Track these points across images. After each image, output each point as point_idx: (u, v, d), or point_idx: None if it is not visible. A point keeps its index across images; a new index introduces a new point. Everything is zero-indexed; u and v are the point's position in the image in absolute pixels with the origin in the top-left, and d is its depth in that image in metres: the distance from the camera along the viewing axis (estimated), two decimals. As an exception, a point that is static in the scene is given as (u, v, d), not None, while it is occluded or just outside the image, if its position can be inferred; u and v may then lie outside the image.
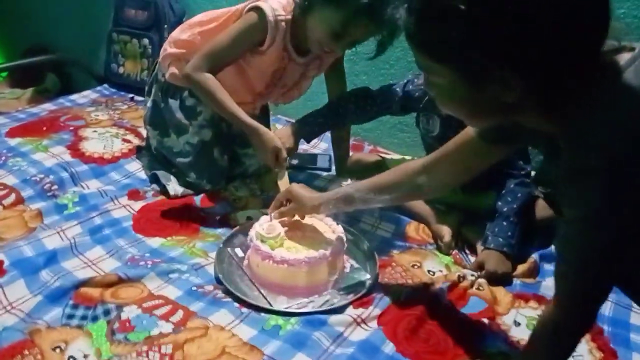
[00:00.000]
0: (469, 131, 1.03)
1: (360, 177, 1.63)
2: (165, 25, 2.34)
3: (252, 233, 1.29)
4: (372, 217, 1.55)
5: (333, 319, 1.15)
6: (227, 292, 1.23)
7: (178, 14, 2.37)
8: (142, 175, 1.73)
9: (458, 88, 0.75)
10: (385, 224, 1.53)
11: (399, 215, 1.57)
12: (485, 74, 0.71)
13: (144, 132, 1.92)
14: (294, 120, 1.62)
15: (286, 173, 1.46)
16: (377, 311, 1.18)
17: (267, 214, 1.35)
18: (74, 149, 1.81)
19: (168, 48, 1.61)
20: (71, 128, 1.96)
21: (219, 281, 1.27)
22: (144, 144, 1.85)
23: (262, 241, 1.26)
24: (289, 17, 1.43)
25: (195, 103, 1.59)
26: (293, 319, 1.16)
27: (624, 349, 1.14)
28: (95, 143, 1.86)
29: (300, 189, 1.28)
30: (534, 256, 1.40)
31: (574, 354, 1.09)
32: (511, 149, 1.07)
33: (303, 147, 1.99)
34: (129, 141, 1.91)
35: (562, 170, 0.75)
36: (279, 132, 1.59)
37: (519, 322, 1.20)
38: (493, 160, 1.05)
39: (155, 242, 1.41)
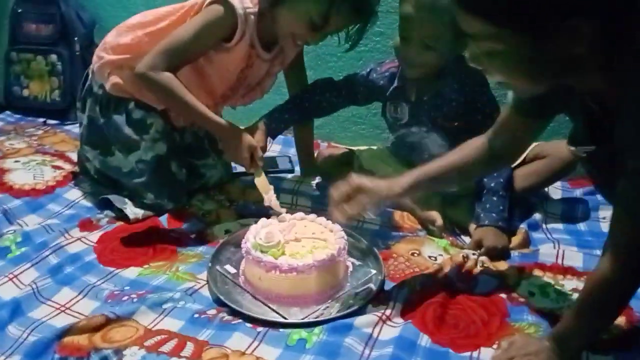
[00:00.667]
0: (505, 112, 1.06)
1: (333, 173, 1.59)
2: (76, 38, 2.12)
3: (246, 245, 1.18)
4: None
5: (358, 321, 1.08)
6: (234, 313, 1.11)
7: (88, 25, 2.15)
8: (86, 202, 1.54)
9: (522, 50, 0.72)
10: (370, 217, 1.48)
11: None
12: (553, 27, 0.68)
13: (73, 157, 1.72)
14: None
15: (263, 172, 1.36)
16: (399, 305, 1.13)
17: (247, 225, 1.26)
18: (-1, 183, 1.57)
19: (105, 55, 1.44)
20: (-14, 161, 1.70)
21: (219, 303, 1.14)
22: (77, 169, 1.65)
23: (262, 251, 1.16)
24: (256, 9, 1.33)
25: (144, 115, 1.43)
26: (316, 329, 1.07)
27: (637, 301, 1.15)
28: (22, 174, 1.63)
29: (367, 180, 1.14)
30: (523, 226, 1.42)
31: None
32: (544, 123, 1.07)
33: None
34: (60, 167, 1.69)
35: (628, 126, 0.74)
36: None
37: (533, 291, 1.20)
38: (530, 136, 1.09)
39: (131, 272, 1.25)
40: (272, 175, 1.72)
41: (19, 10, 2.17)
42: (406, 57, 1.40)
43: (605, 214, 1.52)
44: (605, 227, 1.48)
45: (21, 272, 1.21)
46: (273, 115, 1.51)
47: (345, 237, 1.23)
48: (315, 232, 1.24)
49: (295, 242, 1.21)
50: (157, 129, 1.44)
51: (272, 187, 1.35)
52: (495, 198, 1.37)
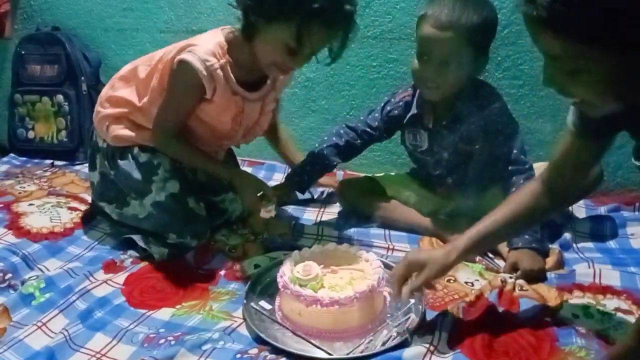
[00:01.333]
0: (566, 140, 1.04)
1: (355, 200, 1.57)
2: (82, 77, 2.10)
3: (283, 279, 1.15)
4: (383, 240, 1.48)
5: (406, 353, 1.05)
6: (277, 352, 1.07)
7: (94, 64, 2.14)
8: (107, 244, 1.50)
9: (611, 67, 0.71)
10: (398, 244, 1.46)
11: (406, 233, 1.51)
12: None
13: (87, 197, 1.69)
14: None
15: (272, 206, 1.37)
16: (445, 335, 1.10)
17: (275, 258, 1.27)
18: (16, 227, 1.53)
19: (102, 110, 1.45)
20: (0, 205, 1.66)
21: (259, 341, 1.11)
22: (89, 208, 1.62)
23: (301, 285, 1.13)
24: (224, 60, 1.30)
25: (149, 157, 1.42)
26: (364, 364, 1.04)
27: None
28: (38, 217, 1.58)
29: (420, 253, 1.14)
30: (555, 247, 1.41)
31: None
32: (604, 147, 1.06)
33: (277, 181, 1.89)
34: (76, 209, 1.65)
35: None
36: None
37: (576, 314, 1.17)
38: (595, 160, 1.08)
39: (164, 314, 1.21)
40: (292, 206, 1.71)
41: (23, 52, 2.16)
42: (425, 78, 1.40)
43: (633, 231, 1.52)
44: (635, 243, 1.47)
45: (49, 320, 1.17)
46: (295, 170, 1.57)
47: (382, 266, 1.20)
48: (351, 263, 1.22)
49: (332, 274, 1.18)
50: (166, 168, 1.41)
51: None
52: None
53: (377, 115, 1.57)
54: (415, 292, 1.10)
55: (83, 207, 1.67)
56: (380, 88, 1.82)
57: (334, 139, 1.58)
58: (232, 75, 1.32)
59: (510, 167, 1.41)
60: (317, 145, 1.60)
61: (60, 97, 2.12)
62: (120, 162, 1.43)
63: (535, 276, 1.29)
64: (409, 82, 1.73)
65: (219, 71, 1.29)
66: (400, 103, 1.54)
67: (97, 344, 1.10)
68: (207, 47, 1.29)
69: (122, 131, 1.41)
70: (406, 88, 1.53)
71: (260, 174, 1.94)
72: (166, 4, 2.02)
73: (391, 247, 1.45)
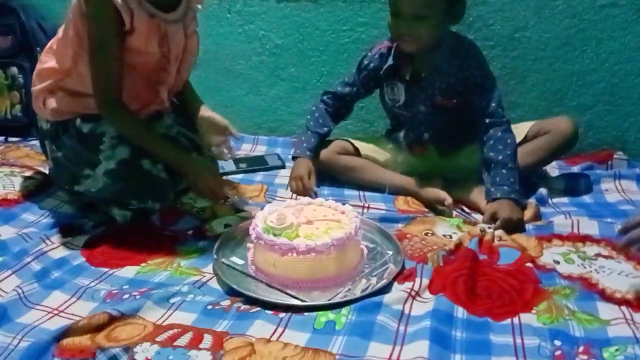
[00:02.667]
0: None
1: (330, 159, 1.53)
2: (38, 48, 1.98)
3: (256, 230, 1.09)
4: (358, 200, 1.44)
5: (387, 299, 1.01)
6: (251, 302, 1.01)
7: (51, 34, 2.01)
8: (66, 210, 1.41)
9: None
10: (373, 203, 1.42)
11: (380, 194, 1.47)
12: None
13: (43, 169, 1.59)
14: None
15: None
16: (425, 281, 1.06)
17: (248, 218, 1.20)
18: (-34, 194, 1.42)
19: (34, 88, 1.37)
20: (-51, 176, 1.54)
21: (232, 294, 1.04)
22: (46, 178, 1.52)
23: (275, 234, 1.07)
24: None
25: (93, 126, 1.32)
26: (344, 310, 0.99)
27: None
28: (-11, 185, 1.48)
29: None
30: (533, 200, 1.39)
31: (627, 272, 1.09)
32: None
33: (245, 151, 1.83)
34: (31, 177, 1.55)
35: None
36: (294, 171, 1.51)
37: (557, 260, 1.15)
38: None
39: (127, 272, 1.13)
40: (263, 173, 1.65)
41: (-27, 23, 2.04)
42: (400, 32, 1.38)
43: (607, 186, 1.52)
44: (610, 197, 1.47)
45: (1, 280, 1.08)
46: (301, 143, 1.54)
47: (359, 216, 1.16)
48: (327, 215, 1.17)
49: (307, 225, 1.12)
50: (111, 135, 1.32)
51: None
52: (504, 171, 1.33)
53: (353, 71, 1.54)
54: None
55: (39, 177, 1.56)
56: (351, 53, 1.78)
57: (321, 106, 1.58)
58: None
59: (487, 120, 1.38)
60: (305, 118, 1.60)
61: (14, 69, 1.99)
62: (64, 138, 1.34)
63: (514, 225, 1.27)
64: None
65: None
66: (376, 55, 1.50)
67: (54, 301, 1.03)
68: None
69: (59, 103, 1.33)
70: (382, 41, 1.50)
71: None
72: (126, -30, 1.93)
73: (366, 205, 1.40)
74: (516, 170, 1.34)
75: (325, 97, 1.58)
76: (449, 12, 1.36)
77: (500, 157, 1.34)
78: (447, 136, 1.49)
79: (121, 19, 1.19)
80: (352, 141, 1.55)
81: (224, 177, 1.54)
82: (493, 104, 1.38)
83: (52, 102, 1.32)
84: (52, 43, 1.36)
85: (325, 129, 1.57)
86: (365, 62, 1.52)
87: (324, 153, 1.54)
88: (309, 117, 1.58)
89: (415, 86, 1.45)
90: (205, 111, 1.44)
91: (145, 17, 1.23)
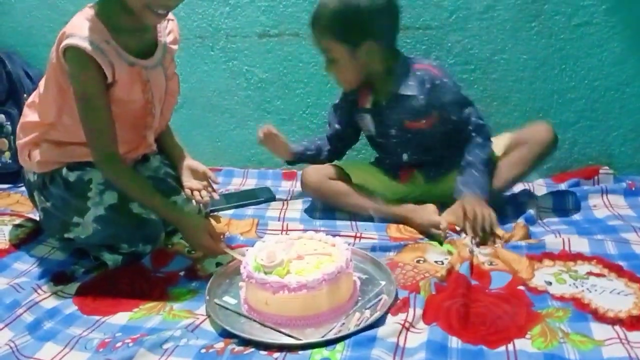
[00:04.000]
0: None
1: (320, 186, 1.53)
2: (25, 95, 2.00)
3: (247, 269, 1.09)
4: (350, 230, 1.45)
5: (381, 332, 1.00)
6: (245, 343, 1.01)
7: (36, 81, 2.04)
8: (57, 257, 1.40)
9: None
10: (365, 232, 1.43)
11: (372, 222, 1.48)
12: None
13: (34, 215, 1.58)
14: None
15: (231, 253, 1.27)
16: (419, 311, 1.06)
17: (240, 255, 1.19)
18: (-44, 246, 1.42)
19: (19, 141, 1.38)
20: (-61, 226, 1.54)
21: (225, 335, 1.04)
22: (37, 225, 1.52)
23: (266, 273, 1.07)
24: (105, 32, 1.21)
25: (79, 174, 1.33)
26: (338, 346, 0.98)
27: (649, 274, 1.15)
28: (-20, 236, 1.48)
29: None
30: (521, 221, 1.40)
31: (619, 290, 1.09)
32: None
33: (235, 186, 1.84)
34: (22, 226, 1.55)
35: None
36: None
37: (549, 281, 1.16)
38: None
39: (120, 318, 1.12)
40: (254, 207, 1.65)
41: (-40, 72, 2.05)
42: (330, 75, 1.49)
43: (595, 202, 1.53)
44: (598, 213, 1.48)
45: (-6, 334, 1.07)
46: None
47: (350, 248, 1.16)
48: (317, 249, 1.17)
49: (298, 260, 1.12)
50: (98, 181, 1.33)
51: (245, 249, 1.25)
52: (474, 171, 1.38)
53: (332, 115, 1.59)
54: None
55: (30, 224, 1.56)
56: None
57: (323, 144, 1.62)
58: (119, 46, 1.24)
59: (470, 131, 1.43)
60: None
61: (2, 117, 2.00)
62: (52, 188, 1.35)
63: (483, 218, 1.33)
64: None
65: (105, 45, 1.21)
66: (342, 95, 1.55)
67: (47, 354, 1.02)
68: (81, 26, 1.20)
69: (44, 154, 1.34)
70: None
71: (218, 180, 1.87)
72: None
73: (358, 235, 1.41)
74: (486, 174, 1.40)
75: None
76: (359, 51, 1.38)
77: (471, 158, 1.39)
78: (431, 158, 1.50)
79: (103, 73, 1.21)
80: (344, 167, 1.57)
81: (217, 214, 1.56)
82: (473, 118, 1.42)
83: (37, 155, 1.33)
84: (34, 97, 1.37)
85: (317, 143, 1.60)
86: (337, 101, 1.57)
87: (315, 177, 1.53)
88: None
89: (380, 113, 1.48)
90: (186, 160, 1.48)
91: (125, 67, 1.24)
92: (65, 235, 1.37)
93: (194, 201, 1.43)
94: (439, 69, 1.44)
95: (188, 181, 1.45)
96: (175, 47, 1.40)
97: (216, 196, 1.48)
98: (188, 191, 1.43)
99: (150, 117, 1.35)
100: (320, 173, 1.54)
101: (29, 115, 1.36)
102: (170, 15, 1.38)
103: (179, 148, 1.51)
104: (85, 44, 1.17)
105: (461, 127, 1.42)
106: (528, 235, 1.36)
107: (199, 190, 1.43)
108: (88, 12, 1.23)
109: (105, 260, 1.32)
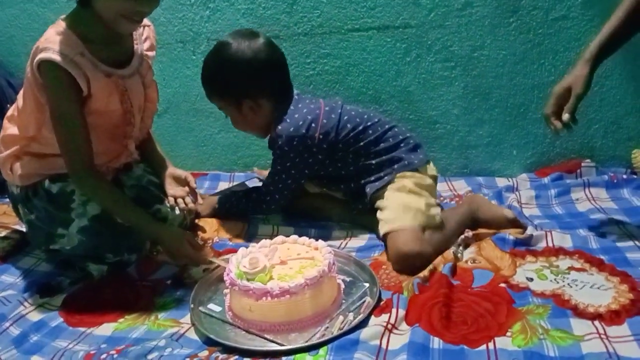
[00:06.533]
0: None
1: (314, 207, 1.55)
2: (8, 105, 1.99)
3: (230, 276, 1.10)
4: (342, 231, 1.47)
5: (363, 334, 1.01)
6: (229, 351, 1.02)
7: (19, 89, 2.03)
8: (43, 268, 1.40)
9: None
10: (355, 235, 1.44)
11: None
12: None
13: (20, 227, 1.58)
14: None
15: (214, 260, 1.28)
16: (402, 312, 1.07)
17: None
18: (-60, 260, 1.41)
19: (2, 150, 1.37)
20: None
21: (210, 344, 1.05)
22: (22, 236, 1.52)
23: (249, 279, 1.07)
24: (79, 44, 1.21)
25: (61, 186, 1.33)
26: (321, 351, 0.99)
27: (630, 268, 1.16)
28: (-35, 250, 1.47)
29: (560, 82, 1.27)
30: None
31: (599, 285, 1.10)
32: None
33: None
34: (7, 237, 1.55)
35: None
36: (205, 202, 1.56)
37: (530, 277, 1.17)
38: None
39: (105, 329, 1.13)
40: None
41: (-58, 85, 2.04)
42: None
43: (577, 196, 1.55)
44: (580, 207, 1.49)
45: (-21, 350, 1.08)
46: (229, 199, 1.57)
47: (333, 252, 1.17)
48: (301, 253, 1.17)
49: (281, 266, 1.13)
50: (81, 192, 1.33)
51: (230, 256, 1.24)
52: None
53: None
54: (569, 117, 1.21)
55: (16, 236, 1.56)
56: (317, 84, 1.81)
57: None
58: (94, 57, 1.23)
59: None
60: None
61: (-15, 128, 2.01)
62: (35, 201, 1.35)
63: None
64: (344, 77, 1.74)
65: (79, 57, 1.20)
66: None
67: (33, 368, 1.02)
68: (54, 40, 1.19)
69: (26, 167, 1.34)
70: None
71: (205, 184, 1.88)
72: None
73: (349, 235, 1.44)
74: None
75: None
76: (241, 108, 1.41)
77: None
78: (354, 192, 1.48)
79: (79, 85, 1.20)
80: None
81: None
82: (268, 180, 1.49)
83: (19, 168, 1.33)
84: (13, 110, 1.37)
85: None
86: None
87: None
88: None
89: None
90: (168, 168, 1.49)
91: (102, 78, 1.24)
92: (51, 247, 1.37)
93: (177, 209, 1.43)
94: (283, 129, 1.38)
95: (171, 189, 1.45)
96: (152, 53, 1.40)
97: (200, 201, 1.48)
98: (171, 199, 1.43)
99: (130, 127, 1.35)
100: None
101: (9, 128, 1.36)
102: (147, 21, 1.39)
103: (161, 157, 1.51)
104: (58, 58, 1.17)
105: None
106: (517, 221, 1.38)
107: (183, 198, 1.43)
108: (60, 24, 1.23)
109: (91, 271, 1.32)
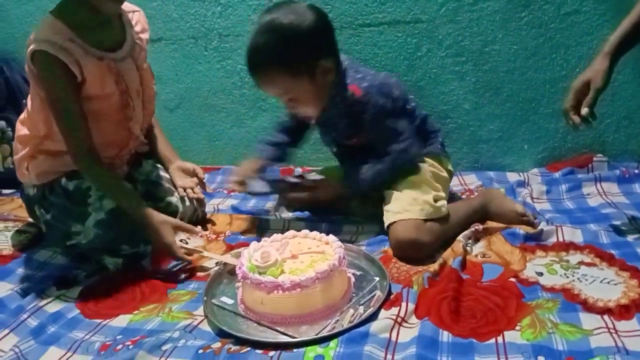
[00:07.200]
0: None
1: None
2: (24, 101, 2.02)
3: (242, 269, 1.11)
4: (351, 225, 1.48)
5: (373, 327, 1.02)
6: (241, 342, 1.03)
7: (34, 86, 2.07)
8: (59, 261, 1.43)
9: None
10: (367, 227, 1.45)
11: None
12: None
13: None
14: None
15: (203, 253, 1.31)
16: (411, 305, 1.08)
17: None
18: (-39, 253, 1.45)
19: (16, 156, 1.42)
20: (-56, 233, 1.58)
21: (222, 335, 1.07)
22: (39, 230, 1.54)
23: (260, 273, 1.09)
24: (67, 31, 1.23)
25: (78, 183, 1.36)
26: (332, 343, 1.01)
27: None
28: (-16, 243, 1.51)
29: (579, 76, 1.22)
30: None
31: (609, 279, 1.10)
32: None
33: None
34: (24, 231, 1.58)
35: None
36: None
37: (540, 272, 1.17)
38: None
39: (120, 321, 1.15)
40: (253, 204, 1.67)
41: (-40, 79, 2.08)
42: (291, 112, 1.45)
43: (588, 190, 1.54)
44: (591, 202, 1.49)
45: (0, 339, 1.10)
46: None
47: (343, 246, 1.18)
48: (311, 247, 1.19)
49: (292, 260, 1.15)
50: (96, 187, 1.36)
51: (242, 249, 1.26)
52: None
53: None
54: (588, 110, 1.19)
55: (32, 229, 1.59)
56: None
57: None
58: (85, 43, 1.26)
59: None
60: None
61: (2, 123, 2.03)
62: (52, 198, 1.38)
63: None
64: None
65: (68, 43, 1.23)
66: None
67: (51, 358, 1.05)
68: (43, 31, 1.23)
69: (41, 166, 1.37)
70: None
71: (217, 179, 1.91)
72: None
73: (360, 230, 1.45)
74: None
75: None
76: (312, 75, 1.30)
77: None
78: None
79: (72, 72, 1.23)
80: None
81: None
82: (393, 145, 1.39)
83: (35, 167, 1.37)
84: (24, 114, 1.40)
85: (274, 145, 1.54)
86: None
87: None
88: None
89: (320, 128, 1.49)
90: (176, 161, 1.52)
91: (94, 62, 1.27)
92: (68, 244, 1.40)
93: (187, 200, 1.46)
94: (367, 87, 1.33)
95: (180, 180, 1.48)
96: (144, 36, 1.43)
97: (209, 190, 1.50)
98: (181, 190, 1.46)
99: (129, 109, 1.37)
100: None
101: (22, 130, 1.39)
102: (135, 7, 1.42)
103: (169, 150, 1.54)
104: (47, 46, 1.20)
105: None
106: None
107: (192, 188, 1.46)
108: (49, 17, 1.26)
109: (106, 264, 1.34)
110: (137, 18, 1.42)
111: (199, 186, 1.48)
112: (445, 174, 1.45)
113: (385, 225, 1.33)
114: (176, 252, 1.30)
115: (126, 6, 1.36)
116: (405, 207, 1.32)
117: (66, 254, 1.44)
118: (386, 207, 1.36)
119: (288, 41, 1.25)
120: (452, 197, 1.52)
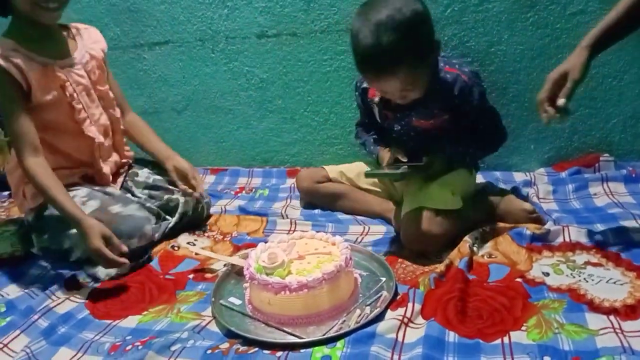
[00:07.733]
0: None
1: (312, 190, 1.57)
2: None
3: (250, 270, 1.13)
4: (358, 225, 1.49)
5: (380, 328, 1.03)
6: (249, 343, 1.04)
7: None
8: (68, 263, 1.45)
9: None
10: (373, 227, 1.47)
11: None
12: None
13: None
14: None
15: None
16: (417, 306, 1.09)
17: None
18: (-27, 256, 1.47)
19: (12, 180, 1.50)
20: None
21: (230, 336, 1.08)
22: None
23: (268, 274, 1.10)
24: (8, 42, 1.30)
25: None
26: (339, 344, 1.01)
27: (646, 262, 1.17)
28: (-4, 244, 1.53)
29: (557, 68, 1.20)
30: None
31: (615, 280, 1.11)
32: None
33: (240, 185, 1.87)
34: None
35: None
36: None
37: (547, 272, 1.18)
38: None
39: (130, 322, 1.17)
40: (260, 207, 1.68)
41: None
42: (395, 100, 1.36)
43: (595, 190, 1.54)
44: (598, 201, 1.49)
45: (11, 341, 1.12)
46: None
47: (350, 247, 1.19)
48: (318, 248, 1.20)
49: (299, 261, 1.16)
50: (81, 195, 1.40)
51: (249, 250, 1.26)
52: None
53: (361, 109, 1.57)
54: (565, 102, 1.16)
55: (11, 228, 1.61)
56: (334, 81, 1.83)
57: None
58: (29, 51, 1.31)
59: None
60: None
61: None
62: (46, 216, 1.41)
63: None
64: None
65: (12, 52, 1.28)
66: (357, 92, 1.53)
67: (61, 358, 1.06)
68: None
69: (31, 190, 1.41)
70: None
71: (225, 180, 1.92)
72: (111, 20, 2.00)
73: (366, 231, 1.45)
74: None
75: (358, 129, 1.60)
76: (427, 61, 1.29)
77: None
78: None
79: (16, 80, 1.29)
80: (326, 168, 1.61)
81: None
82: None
83: (29, 189, 1.41)
84: None
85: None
86: (358, 84, 1.52)
87: (305, 183, 1.60)
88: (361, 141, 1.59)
89: (387, 107, 1.46)
90: (172, 160, 1.54)
91: (37, 68, 1.32)
92: (71, 260, 1.41)
93: (187, 196, 1.52)
94: (469, 73, 1.36)
95: (177, 176, 1.52)
96: (97, 45, 1.48)
97: (200, 190, 1.51)
98: (181, 185, 1.50)
99: (86, 118, 1.41)
100: (308, 179, 1.61)
101: (14, 157, 1.42)
102: (87, 26, 1.50)
103: (162, 146, 1.58)
104: None
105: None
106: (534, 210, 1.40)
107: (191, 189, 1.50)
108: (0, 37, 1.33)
109: (99, 277, 1.34)
110: (89, 32, 1.49)
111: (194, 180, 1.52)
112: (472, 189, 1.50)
113: (403, 213, 1.36)
114: (105, 255, 1.25)
115: (78, 25, 1.48)
116: (441, 197, 1.36)
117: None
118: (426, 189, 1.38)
119: (417, 32, 1.22)
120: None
